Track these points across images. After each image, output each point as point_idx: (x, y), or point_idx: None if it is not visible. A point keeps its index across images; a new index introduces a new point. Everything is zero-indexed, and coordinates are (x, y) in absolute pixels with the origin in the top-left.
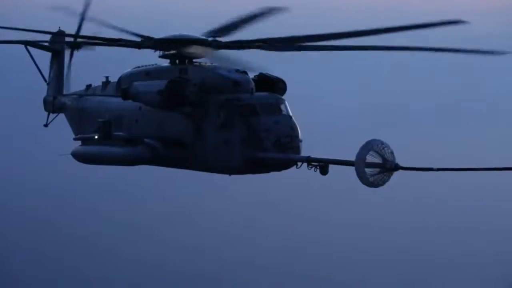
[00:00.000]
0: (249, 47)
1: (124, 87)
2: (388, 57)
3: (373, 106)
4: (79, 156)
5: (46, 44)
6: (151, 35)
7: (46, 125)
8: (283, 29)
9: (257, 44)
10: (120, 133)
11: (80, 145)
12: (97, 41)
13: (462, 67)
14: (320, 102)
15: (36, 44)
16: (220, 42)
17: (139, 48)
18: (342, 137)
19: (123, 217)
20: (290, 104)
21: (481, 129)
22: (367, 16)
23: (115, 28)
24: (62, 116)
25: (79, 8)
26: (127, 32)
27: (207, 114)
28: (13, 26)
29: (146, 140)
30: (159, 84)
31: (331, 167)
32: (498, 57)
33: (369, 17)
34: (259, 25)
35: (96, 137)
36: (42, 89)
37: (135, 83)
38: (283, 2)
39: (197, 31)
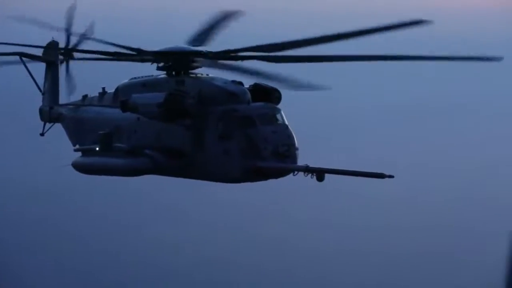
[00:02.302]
0: (243, 58)
1: (123, 99)
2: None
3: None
4: (80, 167)
5: (40, 55)
6: (148, 47)
7: (42, 134)
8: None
9: (251, 53)
10: (121, 145)
11: (81, 156)
12: (94, 55)
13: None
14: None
15: (30, 56)
16: (215, 53)
17: (134, 61)
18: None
19: (125, 226)
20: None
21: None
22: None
23: (110, 43)
24: (58, 125)
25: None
26: (121, 46)
27: (206, 125)
28: (8, 37)
29: (146, 151)
30: (158, 96)
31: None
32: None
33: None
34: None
35: (97, 148)
36: (38, 99)
37: (134, 95)
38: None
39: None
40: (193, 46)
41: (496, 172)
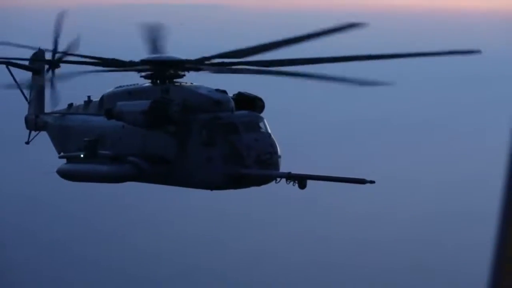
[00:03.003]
0: (227, 65)
1: (108, 107)
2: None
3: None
4: (65, 174)
5: (27, 64)
6: (132, 57)
7: (27, 143)
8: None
9: (234, 62)
10: (106, 152)
11: (66, 163)
12: (77, 65)
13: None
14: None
15: (17, 64)
16: (198, 61)
17: (120, 70)
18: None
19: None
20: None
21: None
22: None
23: (95, 57)
24: (43, 134)
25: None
26: (106, 59)
27: (190, 132)
28: None
29: (130, 158)
30: (143, 104)
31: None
32: None
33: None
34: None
35: (81, 155)
36: (23, 108)
37: (119, 103)
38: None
39: (175, 49)
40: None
41: (467, 184)
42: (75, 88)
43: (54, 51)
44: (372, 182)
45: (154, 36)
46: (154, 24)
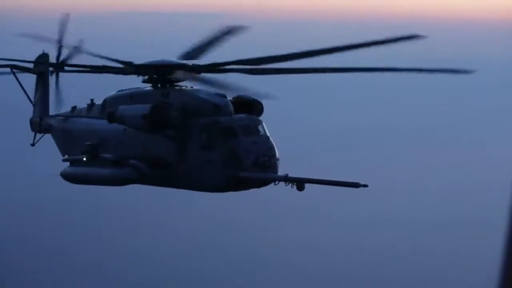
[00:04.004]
0: (227, 71)
1: (109, 110)
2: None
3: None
4: (68, 177)
5: (31, 66)
6: (133, 61)
7: (33, 145)
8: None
9: (234, 66)
10: (107, 155)
11: (69, 166)
12: (81, 68)
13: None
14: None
15: (21, 67)
16: (199, 66)
17: (122, 74)
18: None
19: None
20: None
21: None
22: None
23: (99, 55)
24: (48, 136)
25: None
26: (109, 59)
27: (190, 136)
28: None
29: (132, 161)
30: (143, 108)
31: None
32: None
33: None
34: (229, 46)
35: (84, 158)
36: (29, 110)
37: (120, 107)
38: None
39: (173, 55)
40: (187, 59)
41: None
42: (78, 91)
43: (58, 54)
44: (365, 186)
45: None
46: (233, 26)
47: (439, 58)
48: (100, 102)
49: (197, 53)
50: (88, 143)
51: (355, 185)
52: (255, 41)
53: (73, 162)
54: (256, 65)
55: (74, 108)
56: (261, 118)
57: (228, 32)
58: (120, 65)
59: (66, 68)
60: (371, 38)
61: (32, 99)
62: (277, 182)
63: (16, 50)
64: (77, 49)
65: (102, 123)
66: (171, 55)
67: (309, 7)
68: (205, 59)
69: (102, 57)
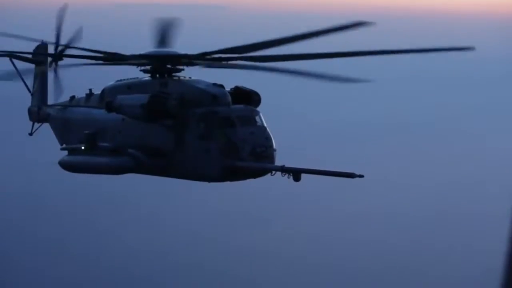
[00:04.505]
0: (225, 60)
1: (108, 100)
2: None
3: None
4: (66, 166)
5: (30, 56)
6: (133, 51)
7: (31, 134)
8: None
9: (232, 58)
10: (105, 144)
11: (67, 155)
12: (79, 58)
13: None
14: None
15: (20, 57)
16: (197, 56)
17: (120, 64)
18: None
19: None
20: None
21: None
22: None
23: (97, 51)
24: (46, 125)
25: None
26: (107, 53)
27: (187, 126)
28: None
29: (130, 150)
30: (142, 98)
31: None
32: None
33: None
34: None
35: (82, 147)
36: (27, 99)
37: (119, 96)
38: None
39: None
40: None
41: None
42: (77, 81)
43: (57, 44)
44: (361, 176)
45: (163, 30)
46: (166, 19)
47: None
48: (99, 92)
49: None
50: (86, 132)
51: (351, 175)
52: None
53: (71, 151)
54: (248, 53)
55: (72, 97)
56: (258, 108)
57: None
58: (119, 55)
59: (65, 58)
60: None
61: (31, 89)
62: (274, 172)
63: (15, 40)
64: (76, 39)
65: (101, 113)
66: (171, 46)
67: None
68: (202, 49)
69: (98, 51)
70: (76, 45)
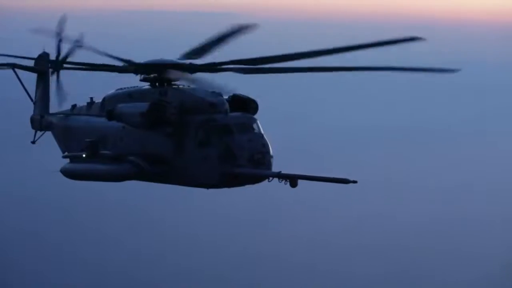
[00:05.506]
0: (223, 70)
1: (108, 108)
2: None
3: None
4: (68, 173)
5: (32, 66)
6: (132, 60)
7: (33, 142)
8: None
9: (230, 66)
10: (107, 152)
11: (69, 163)
12: (80, 66)
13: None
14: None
15: (22, 67)
16: (196, 65)
17: (120, 72)
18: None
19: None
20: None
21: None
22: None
23: (98, 52)
24: (48, 133)
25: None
26: (109, 56)
27: (186, 133)
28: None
29: (130, 157)
30: (142, 106)
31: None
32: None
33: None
34: (231, 45)
35: (84, 155)
36: (29, 108)
37: (119, 105)
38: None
39: (174, 54)
40: (189, 58)
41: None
42: (78, 89)
43: (58, 53)
44: (354, 182)
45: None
46: (242, 25)
47: (434, 59)
48: (100, 101)
49: (200, 52)
50: (87, 140)
51: (345, 181)
52: (259, 40)
53: (73, 159)
54: (252, 65)
55: (74, 106)
56: (256, 116)
57: (236, 31)
58: (119, 64)
59: (66, 66)
60: (370, 39)
61: (33, 98)
62: (271, 179)
63: (17, 48)
64: (77, 47)
65: (102, 121)
66: (173, 54)
67: (313, 7)
68: (205, 59)
69: (101, 52)
70: (77, 53)
